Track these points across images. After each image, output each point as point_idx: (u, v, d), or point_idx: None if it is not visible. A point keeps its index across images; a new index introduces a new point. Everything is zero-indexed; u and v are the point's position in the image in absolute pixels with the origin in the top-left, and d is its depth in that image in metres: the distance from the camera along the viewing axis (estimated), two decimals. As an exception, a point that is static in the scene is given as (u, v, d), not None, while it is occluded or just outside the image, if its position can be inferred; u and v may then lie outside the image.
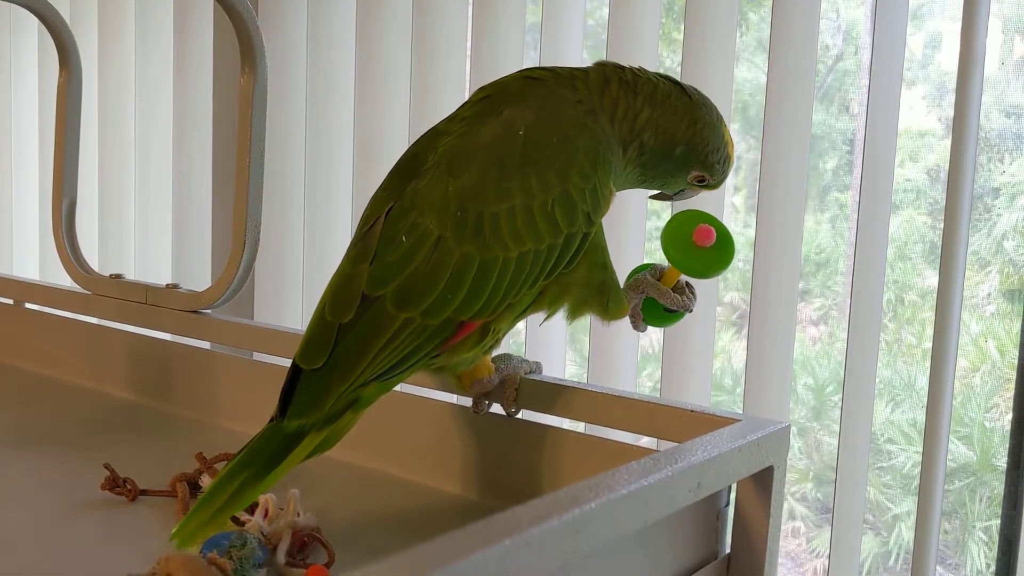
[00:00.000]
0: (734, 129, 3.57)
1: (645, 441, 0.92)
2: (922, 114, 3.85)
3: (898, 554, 3.67)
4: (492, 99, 0.73)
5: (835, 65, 3.95)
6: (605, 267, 0.73)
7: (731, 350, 3.83)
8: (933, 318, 1.29)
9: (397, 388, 0.82)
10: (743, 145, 3.61)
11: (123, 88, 2.10)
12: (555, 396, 0.78)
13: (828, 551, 1.38)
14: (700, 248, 0.72)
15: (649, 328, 0.79)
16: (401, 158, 0.73)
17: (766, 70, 1.36)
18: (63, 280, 1.19)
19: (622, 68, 0.74)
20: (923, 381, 4.02)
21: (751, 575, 0.68)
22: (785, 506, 3.25)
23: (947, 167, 1.26)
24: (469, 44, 1.58)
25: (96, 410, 1.04)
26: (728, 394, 3.62)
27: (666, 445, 0.66)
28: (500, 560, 0.44)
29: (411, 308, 0.65)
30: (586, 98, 0.72)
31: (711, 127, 0.74)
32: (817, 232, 3.93)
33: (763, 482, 0.67)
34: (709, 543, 0.68)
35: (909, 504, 3.74)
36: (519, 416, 0.80)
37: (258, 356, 1.01)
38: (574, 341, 2.28)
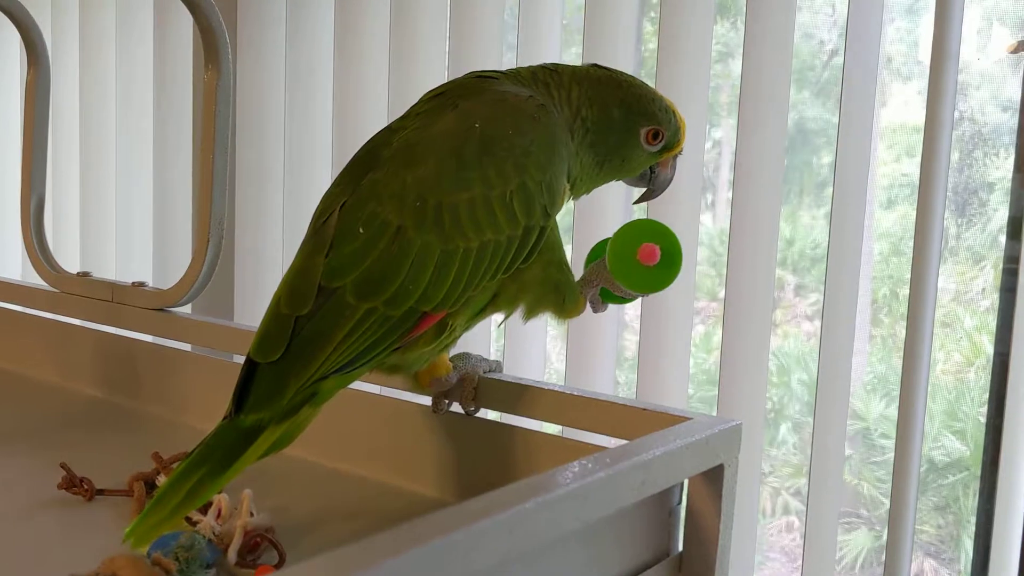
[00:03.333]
0: (730, 124, 3.56)
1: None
2: (918, 109, 3.85)
3: (892, 549, 3.67)
4: (447, 95, 0.74)
5: (830, 60, 3.93)
6: (561, 265, 0.73)
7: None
8: (927, 313, 1.29)
9: (359, 386, 0.82)
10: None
11: (103, 86, 2.09)
12: (513, 395, 0.78)
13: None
14: (643, 265, 0.72)
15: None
16: (355, 155, 0.73)
17: (742, 62, 1.35)
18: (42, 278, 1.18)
19: (543, 66, 0.77)
20: (917, 376, 4.02)
21: (702, 573, 0.67)
22: (779, 501, 3.22)
23: (942, 161, 1.25)
24: (448, 42, 1.57)
25: (62, 408, 1.04)
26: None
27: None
28: (427, 561, 0.44)
29: (373, 298, 0.65)
30: (535, 93, 0.73)
31: (638, 85, 0.76)
32: (813, 227, 3.93)
33: (714, 480, 0.67)
34: (661, 541, 0.68)
35: (903, 499, 3.74)
36: (479, 415, 0.80)
37: (227, 354, 1.01)
38: (555, 342, 2.28)
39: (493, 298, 0.72)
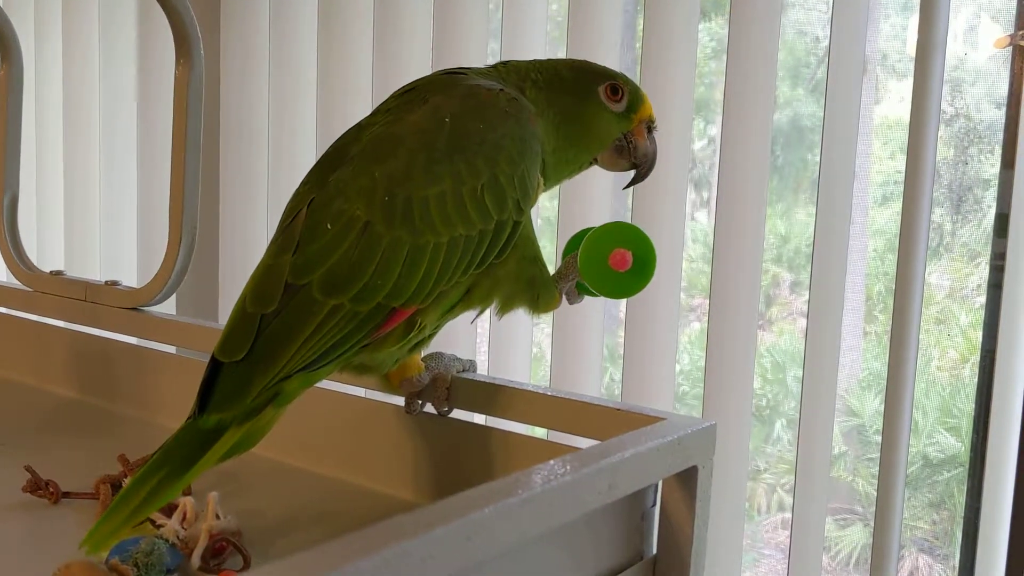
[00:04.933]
0: (719, 123, 3.56)
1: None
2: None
3: (888, 545, 3.67)
4: (417, 91, 0.73)
5: (825, 57, 3.92)
6: (535, 260, 0.72)
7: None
8: (923, 310, 1.28)
9: (332, 386, 0.81)
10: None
11: (87, 84, 2.07)
12: (487, 395, 0.76)
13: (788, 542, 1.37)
14: (614, 271, 0.71)
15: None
16: (324, 153, 0.73)
17: (726, 61, 1.34)
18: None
19: (505, 61, 0.79)
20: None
21: (676, 577, 0.66)
22: (775, 498, 3.20)
23: (936, 158, 1.24)
24: (431, 41, 1.56)
25: (35, 409, 1.03)
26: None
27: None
28: (376, 572, 0.43)
29: (340, 294, 0.64)
30: (505, 86, 0.72)
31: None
32: (808, 224, 3.92)
33: (687, 482, 0.66)
34: (634, 543, 0.67)
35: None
36: (455, 415, 0.79)
37: (202, 354, 1.00)
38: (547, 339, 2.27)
39: (466, 294, 0.71)
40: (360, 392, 0.85)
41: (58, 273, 1.07)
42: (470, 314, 0.73)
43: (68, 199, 2.12)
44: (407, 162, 0.66)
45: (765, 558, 3.81)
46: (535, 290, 0.72)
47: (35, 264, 1.12)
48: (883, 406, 1.28)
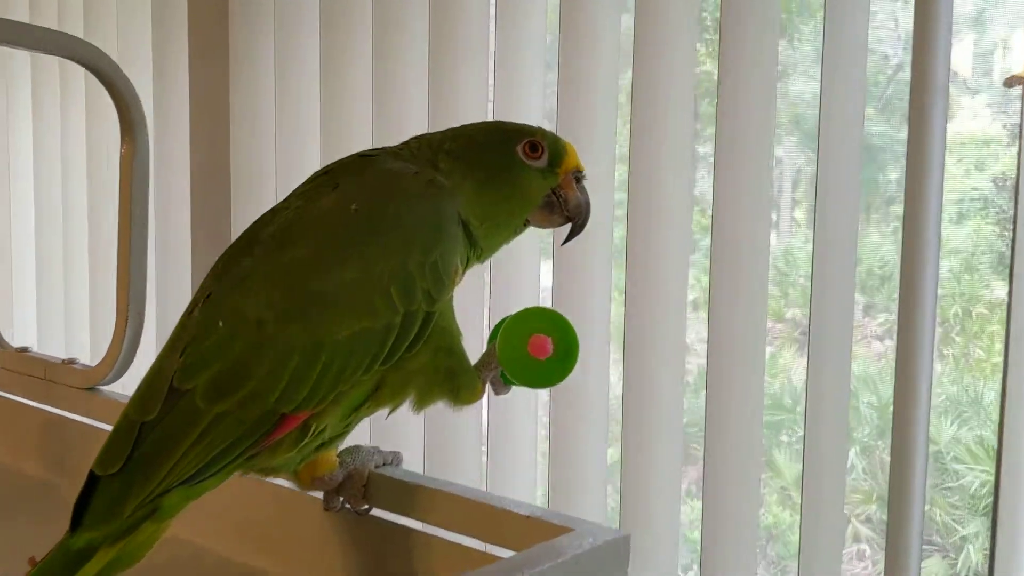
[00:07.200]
0: (792, 142, 3.46)
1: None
2: (986, 122, 3.74)
3: (967, 576, 3.56)
4: (331, 175, 0.70)
5: (895, 75, 3.82)
6: (451, 351, 0.68)
7: (792, 368, 3.73)
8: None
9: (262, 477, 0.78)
10: (802, 158, 3.50)
11: (75, 151, 2.08)
12: (405, 493, 0.72)
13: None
14: (534, 358, 0.67)
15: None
16: (238, 237, 0.70)
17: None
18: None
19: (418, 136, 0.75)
20: (991, 397, 3.84)
21: None
22: (849, 529, 3.08)
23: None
24: (427, 69, 1.53)
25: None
26: (788, 413, 3.52)
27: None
28: None
29: (225, 400, 0.60)
30: (420, 167, 0.69)
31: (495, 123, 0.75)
32: (881, 245, 3.81)
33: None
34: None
35: (977, 525, 3.60)
36: (376, 514, 0.75)
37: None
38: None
39: (375, 391, 0.67)
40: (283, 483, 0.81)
41: (23, 350, 1.07)
42: (383, 412, 0.70)
43: (67, 276, 2.12)
44: (312, 251, 0.63)
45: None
46: (455, 382, 0.68)
47: (8, 340, 1.11)
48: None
